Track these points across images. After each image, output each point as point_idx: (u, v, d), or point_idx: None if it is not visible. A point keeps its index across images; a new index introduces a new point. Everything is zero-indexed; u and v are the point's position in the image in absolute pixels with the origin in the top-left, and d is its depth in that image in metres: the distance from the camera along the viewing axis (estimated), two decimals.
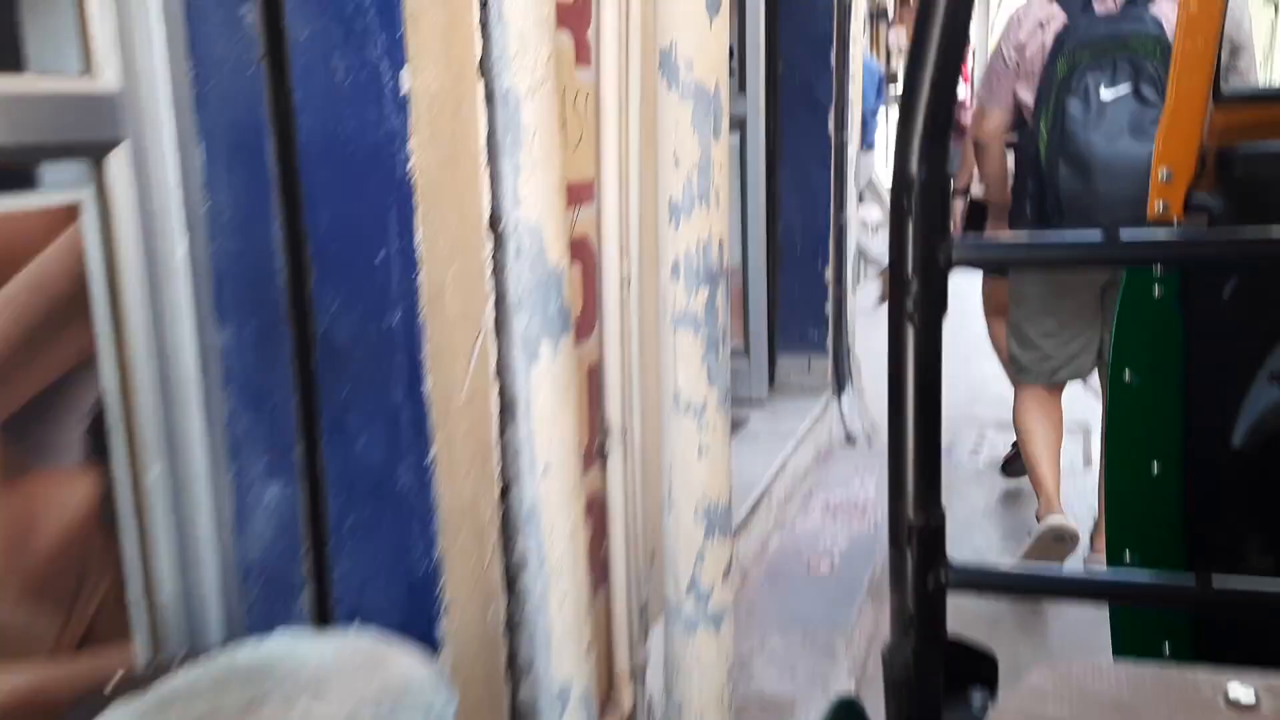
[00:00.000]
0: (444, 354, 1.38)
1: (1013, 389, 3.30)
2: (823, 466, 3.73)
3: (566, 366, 1.50)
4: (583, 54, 1.76)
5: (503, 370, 1.52)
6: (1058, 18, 2.65)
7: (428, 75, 1.31)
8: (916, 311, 0.74)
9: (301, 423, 1.40)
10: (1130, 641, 1.53)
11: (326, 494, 1.39)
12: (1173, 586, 0.88)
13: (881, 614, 2.74)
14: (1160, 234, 1.33)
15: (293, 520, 1.40)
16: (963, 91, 10.25)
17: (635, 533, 1.92)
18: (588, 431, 1.85)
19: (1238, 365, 1.41)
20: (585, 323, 1.83)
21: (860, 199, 10.11)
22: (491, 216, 1.48)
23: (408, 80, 1.27)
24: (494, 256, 1.48)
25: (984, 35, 12.28)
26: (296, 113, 1.32)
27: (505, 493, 1.52)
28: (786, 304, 4.03)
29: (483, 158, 1.45)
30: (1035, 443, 3.02)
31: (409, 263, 1.31)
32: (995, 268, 3.06)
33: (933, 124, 0.72)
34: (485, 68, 1.44)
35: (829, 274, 3.97)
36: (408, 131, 1.28)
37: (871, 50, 12.35)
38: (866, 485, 3.54)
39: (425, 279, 1.33)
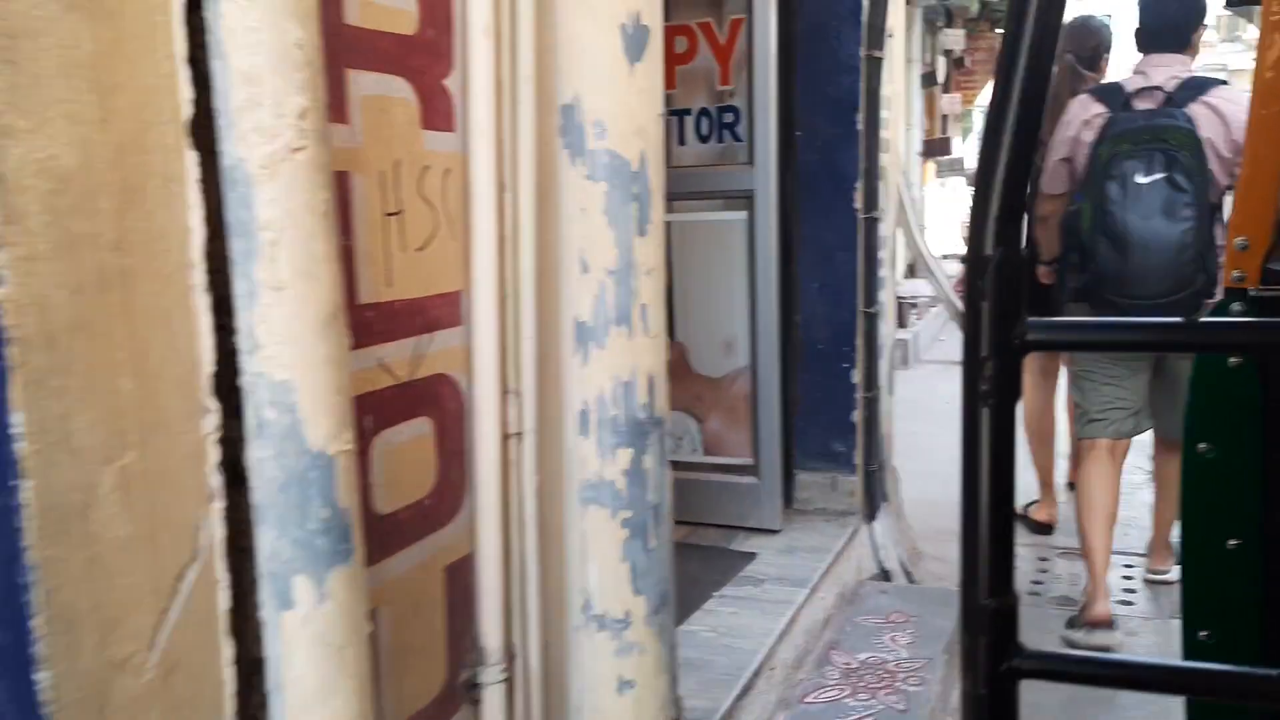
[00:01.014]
0: (94, 612, 0.80)
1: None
2: (847, 613, 3.07)
3: (343, 613, 0.91)
4: (438, 112, 1.20)
5: (247, 617, 0.94)
6: (1103, 113, 2.96)
7: (47, 138, 0.75)
8: (990, 393, 0.73)
9: None
10: None
11: None
12: (1260, 681, 0.80)
13: None
14: (1239, 321, 1.33)
15: None
16: None
17: None
18: (445, 665, 1.26)
19: None
20: (445, 500, 1.25)
21: (911, 272, 9.53)
22: (219, 370, 0.91)
23: None
24: (223, 435, 0.91)
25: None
26: None
27: None
28: (806, 411, 3.41)
29: (197, 275, 0.88)
30: (1093, 517, 3.15)
31: (4, 462, 0.74)
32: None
33: (1008, 203, 0.72)
34: (201, 128, 0.88)
35: (857, 375, 3.36)
36: None
37: (925, 116, 11.83)
38: (900, 639, 2.89)
39: (45, 488, 0.76)
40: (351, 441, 0.90)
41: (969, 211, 0.76)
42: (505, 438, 1.28)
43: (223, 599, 0.91)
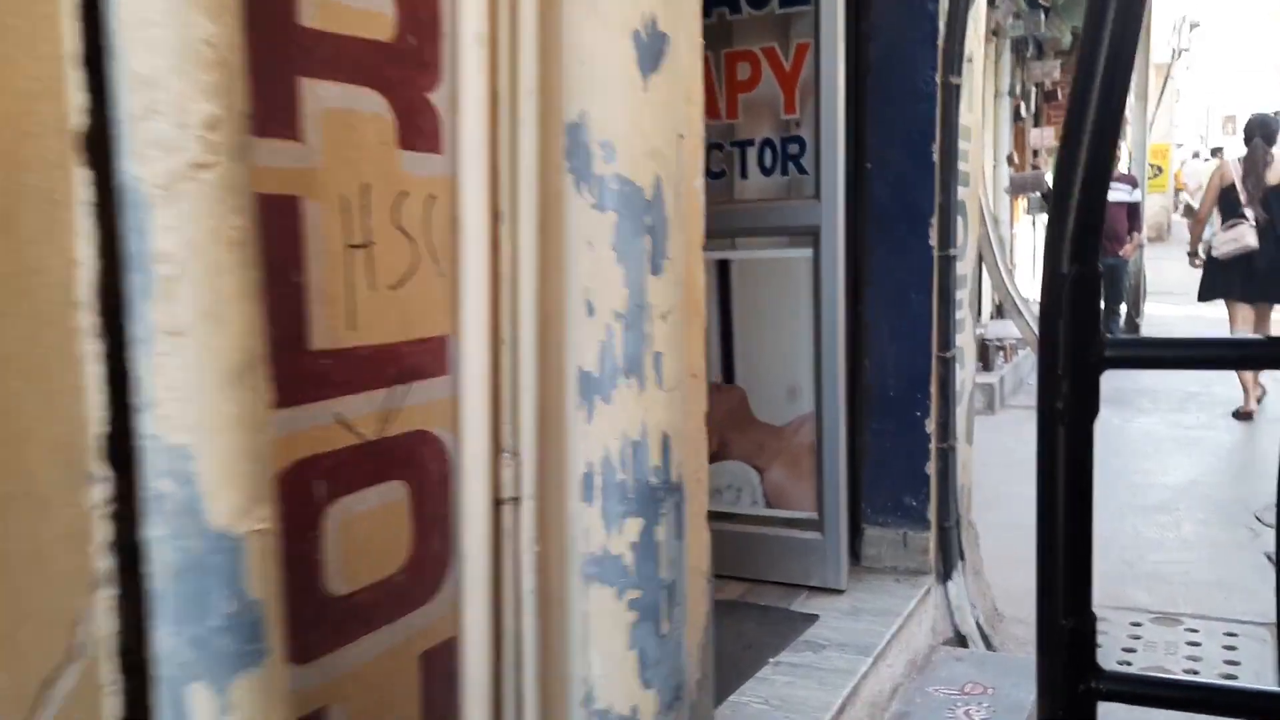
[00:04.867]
0: None
1: None
2: (917, 682, 2.83)
3: None
4: (420, 130, 1.05)
5: None
6: None
7: None
8: (1067, 411, 0.73)
9: None
10: None
11: None
12: None
13: None
14: None
15: None
16: (1125, 194, 9.32)
17: None
18: None
19: None
20: (423, 575, 1.08)
21: (999, 313, 9.18)
22: (116, 431, 0.76)
23: None
24: (119, 509, 0.76)
25: (1142, 134, 11.30)
26: None
27: None
28: (875, 462, 3.19)
29: (85, 316, 0.74)
30: None
31: None
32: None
33: (1085, 221, 0.72)
34: (99, 142, 0.74)
35: (931, 424, 3.12)
36: None
37: (1014, 151, 11.47)
38: (975, 714, 2.64)
39: None
40: (268, 519, 0.75)
41: (1046, 228, 0.75)
42: (498, 503, 1.12)
43: (112, 708, 0.75)
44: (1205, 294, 6.77)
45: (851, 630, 2.75)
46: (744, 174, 3.05)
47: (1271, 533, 4.66)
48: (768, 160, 3.02)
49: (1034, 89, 11.36)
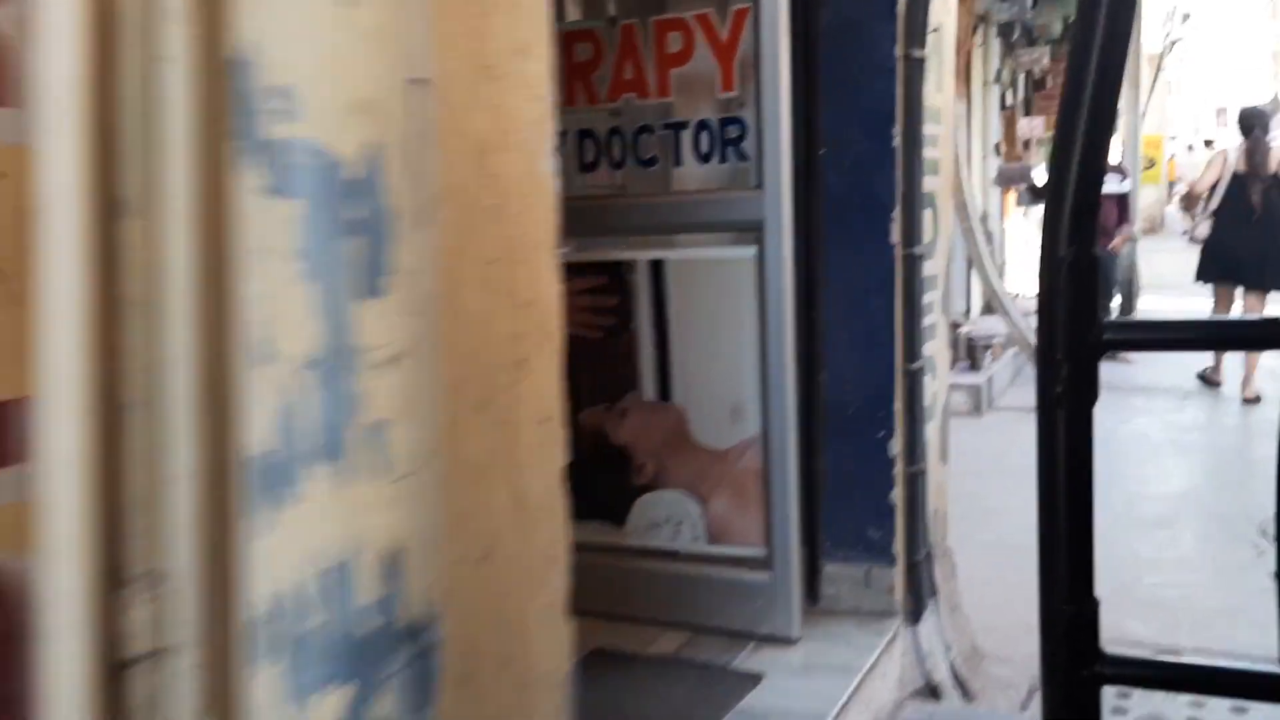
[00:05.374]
0: None
1: None
2: None
3: None
4: None
5: None
6: None
7: None
8: (1066, 396, 0.72)
9: None
10: None
11: None
12: None
13: None
14: None
15: None
16: (1115, 185, 8.93)
17: None
18: None
19: None
20: None
21: (988, 310, 8.79)
22: None
23: None
24: None
25: (1134, 123, 10.92)
26: None
27: None
28: (834, 490, 2.77)
29: None
30: None
31: None
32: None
33: (1081, 203, 0.72)
34: None
35: (897, 445, 2.72)
36: None
37: (1004, 141, 11.06)
38: None
39: None
40: None
41: (1042, 211, 0.74)
42: (120, 666, 0.71)
43: None
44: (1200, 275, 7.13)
45: (802, 693, 2.35)
46: (679, 161, 2.64)
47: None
48: (704, 145, 2.60)
49: (1023, 76, 10.96)
